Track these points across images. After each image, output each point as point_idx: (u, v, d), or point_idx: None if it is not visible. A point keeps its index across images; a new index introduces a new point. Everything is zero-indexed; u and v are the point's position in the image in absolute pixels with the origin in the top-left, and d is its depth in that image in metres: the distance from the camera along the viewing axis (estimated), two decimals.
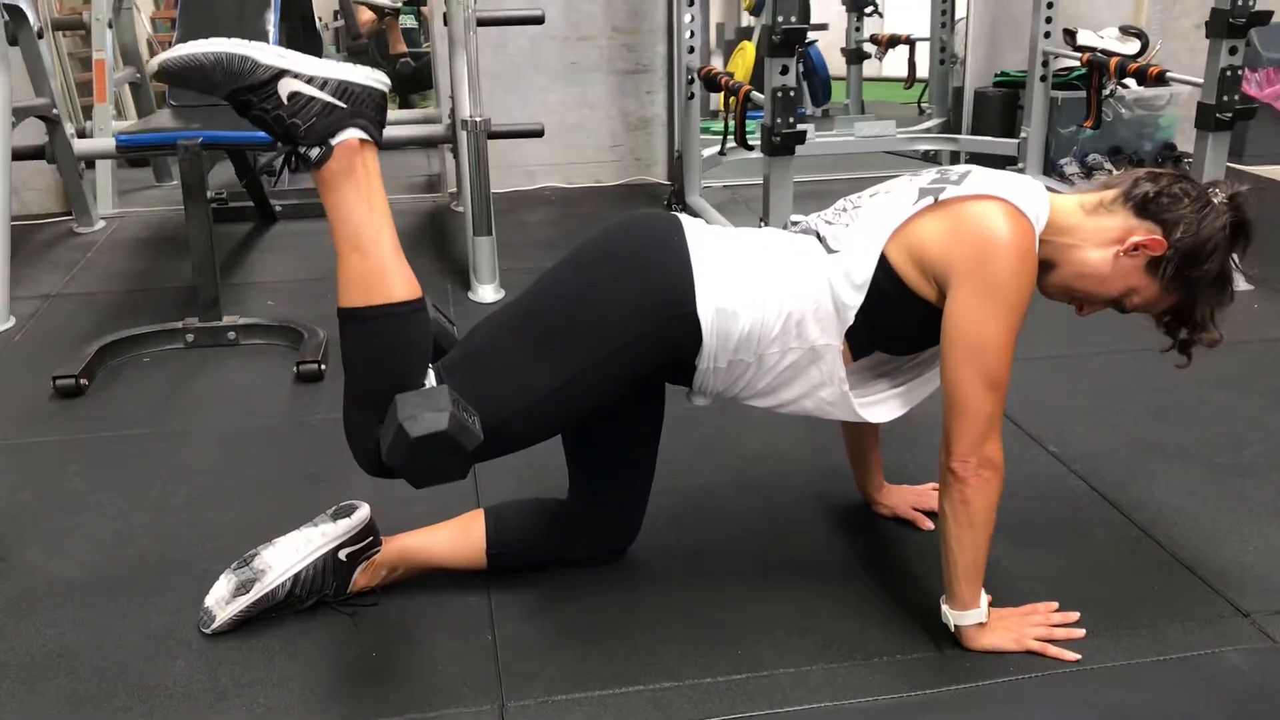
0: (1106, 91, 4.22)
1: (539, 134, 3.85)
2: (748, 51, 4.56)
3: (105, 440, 2.34)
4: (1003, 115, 4.67)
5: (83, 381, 2.54)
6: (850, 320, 1.54)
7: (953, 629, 1.59)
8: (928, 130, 4.93)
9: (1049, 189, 1.58)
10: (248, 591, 1.65)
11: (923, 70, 5.56)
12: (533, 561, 1.79)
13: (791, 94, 2.93)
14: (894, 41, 5.82)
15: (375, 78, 1.48)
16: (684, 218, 1.63)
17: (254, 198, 3.90)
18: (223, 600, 1.66)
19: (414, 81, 5.96)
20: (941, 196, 1.52)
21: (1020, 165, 4.38)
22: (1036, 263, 1.51)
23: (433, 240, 3.90)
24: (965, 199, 1.51)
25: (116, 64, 4.55)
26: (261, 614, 1.66)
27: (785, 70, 2.93)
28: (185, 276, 3.05)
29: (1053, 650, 1.58)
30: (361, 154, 1.47)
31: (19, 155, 3.54)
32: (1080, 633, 1.62)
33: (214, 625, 1.65)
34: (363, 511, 1.73)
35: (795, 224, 1.68)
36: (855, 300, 1.53)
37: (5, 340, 2.95)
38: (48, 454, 2.27)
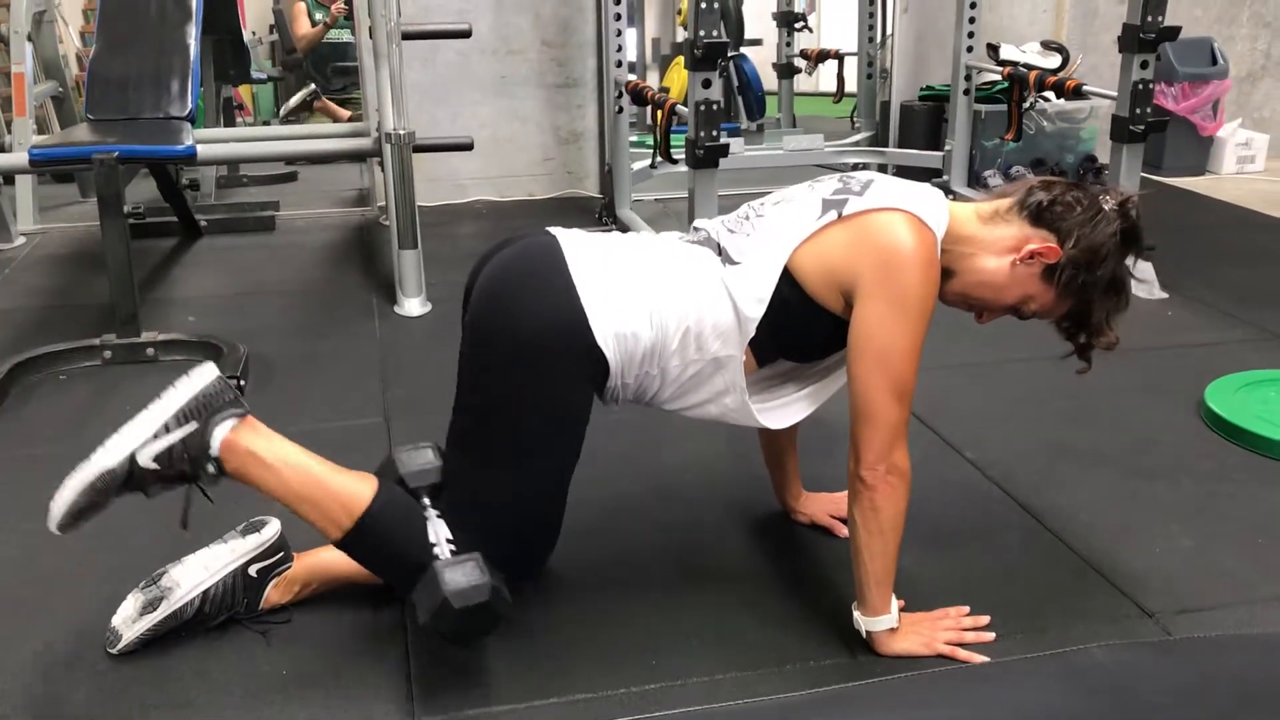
0: (1027, 105, 4.31)
1: (468, 147, 3.83)
2: (682, 65, 4.60)
3: (15, 459, 2.28)
4: (928, 128, 4.74)
5: None
6: (751, 333, 1.55)
7: (864, 635, 1.61)
8: (856, 144, 4.99)
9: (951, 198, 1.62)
10: (154, 610, 1.62)
11: (852, 85, 5.63)
12: None
13: (715, 107, 2.95)
14: (823, 56, 5.89)
15: (200, 377, 1.55)
16: (564, 239, 1.59)
17: (177, 212, 3.84)
18: (129, 619, 1.63)
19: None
20: (845, 210, 1.54)
21: (945, 177, 4.45)
22: (938, 271, 1.53)
23: (360, 254, 3.87)
24: (869, 211, 1.53)
25: (38, 78, 4.48)
26: (170, 633, 1.63)
27: (708, 84, 2.94)
28: (107, 292, 3.00)
29: (962, 654, 1.60)
30: (243, 438, 1.52)
31: None
32: (990, 636, 1.64)
33: (120, 645, 1.61)
34: (273, 527, 1.71)
35: (697, 230, 1.68)
36: (756, 313, 1.54)
37: None
38: None
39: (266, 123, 6.89)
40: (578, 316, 1.51)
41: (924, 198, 1.56)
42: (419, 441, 1.69)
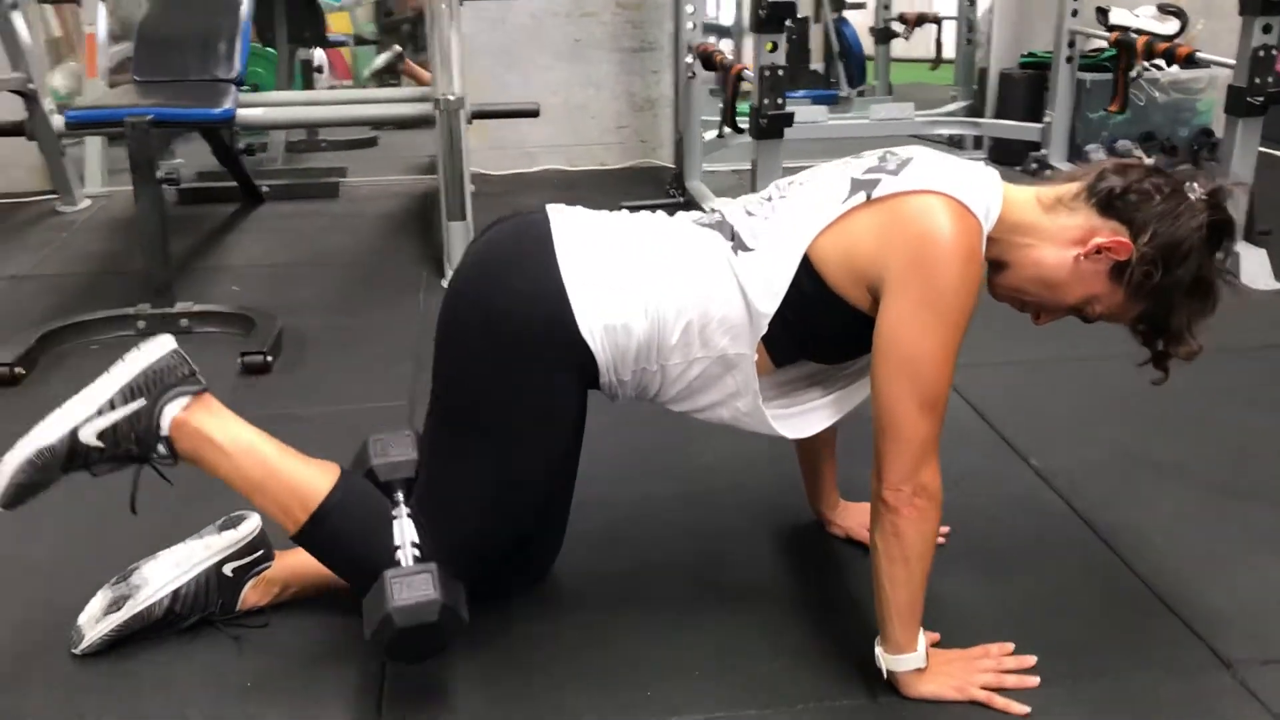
0: (1134, 74, 3.98)
1: (533, 114, 3.70)
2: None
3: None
4: (1028, 98, 4.44)
5: (18, 370, 2.42)
6: (764, 328, 1.36)
7: (885, 675, 1.42)
8: (950, 114, 4.70)
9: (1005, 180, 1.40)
10: (119, 609, 1.52)
11: (952, 51, 5.32)
12: None
13: (781, 73, 2.74)
14: (921, 20, 5.59)
15: (152, 350, 1.44)
16: (556, 218, 1.43)
17: (236, 177, 3.78)
18: (94, 618, 1.52)
19: None
20: (875, 192, 1.34)
21: (1043, 151, 4.16)
22: (982, 266, 1.32)
23: (418, 224, 3.76)
24: (902, 194, 1.33)
25: (116, 38, 4.46)
26: (140, 632, 1.53)
27: (774, 48, 2.74)
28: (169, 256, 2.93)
29: (999, 701, 1.40)
30: (195, 417, 1.42)
31: None
32: (1034, 681, 1.43)
33: (82, 645, 1.51)
34: (251, 523, 1.59)
35: (712, 211, 1.49)
36: (770, 307, 1.35)
37: None
38: None
39: (362, 86, 6.83)
40: (560, 305, 1.35)
41: (971, 179, 1.35)
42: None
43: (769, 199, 1.45)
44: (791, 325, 1.37)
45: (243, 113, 2.83)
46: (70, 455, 1.40)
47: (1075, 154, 4.22)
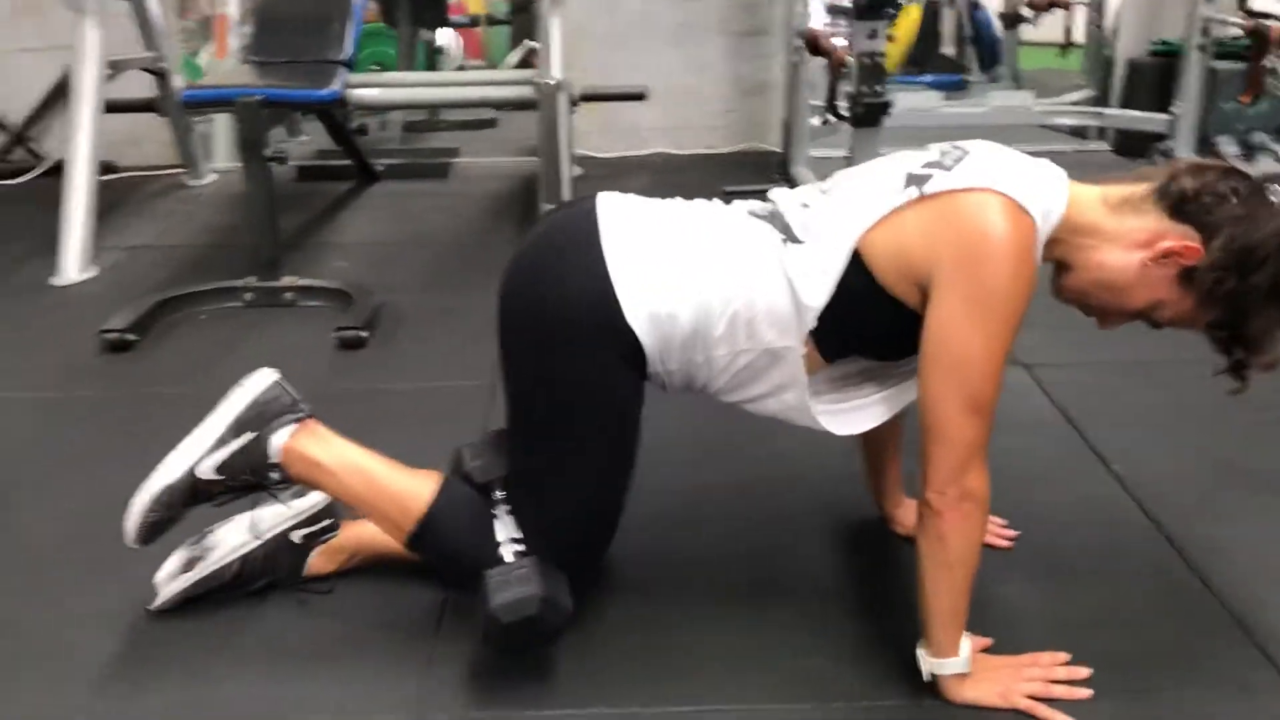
0: (1271, 63, 3.78)
1: (640, 97, 3.72)
2: (912, 13, 4.29)
3: (136, 398, 2.34)
4: (1157, 88, 4.26)
5: (130, 337, 2.55)
6: (812, 323, 1.35)
7: (927, 678, 1.40)
8: (1073, 103, 4.54)
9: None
10: (191, 569, 1.59)
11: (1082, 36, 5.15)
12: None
13: (880, 60, 2.70)
14: (1051, 4, 5.39)
15: (255, 383, 1.51)
16: (604, 208, 1.44)
17: (351, 156, 3.89)
18: (170, 576, 1.60)
19: None
20: (928, 188, 1.31)
21: (1169, 143, 3.99)
22: (1035, 267, 1.29)
23: (522, 205, 3.81)
24: (955, 191, 1.30)
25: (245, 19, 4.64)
26: (211, 592, 1.60)
27: (874, 34, 2.69)
28: (281, 233, 3.04)
29: (1043, 711, 1.36)
30: (301, 443, 1.49)
31: (128, 108, 3.63)
32: (1085, 693, 1.39)
33: (156, 603, 1.59)
34: (320, 493, 1.65)
35: (767, 202, 1.48)
36: (818, 302, 1.34)
37: (80, 291, 3.01)
38: (78, 409, 2.29)
39: (492, 67, 6.92)
40: (606, 295, 1.36)
41: (1029, 178, 1.31)
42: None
43: (824, 191, 1.44)
44: (840, 320, 1.36)
45: (354, 93, 2.91)
46: (192, 491, 1.50)
47: (1204, 147, 4.03)
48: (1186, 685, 1.42)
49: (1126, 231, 1.33)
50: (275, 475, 1.50)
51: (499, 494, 1.52)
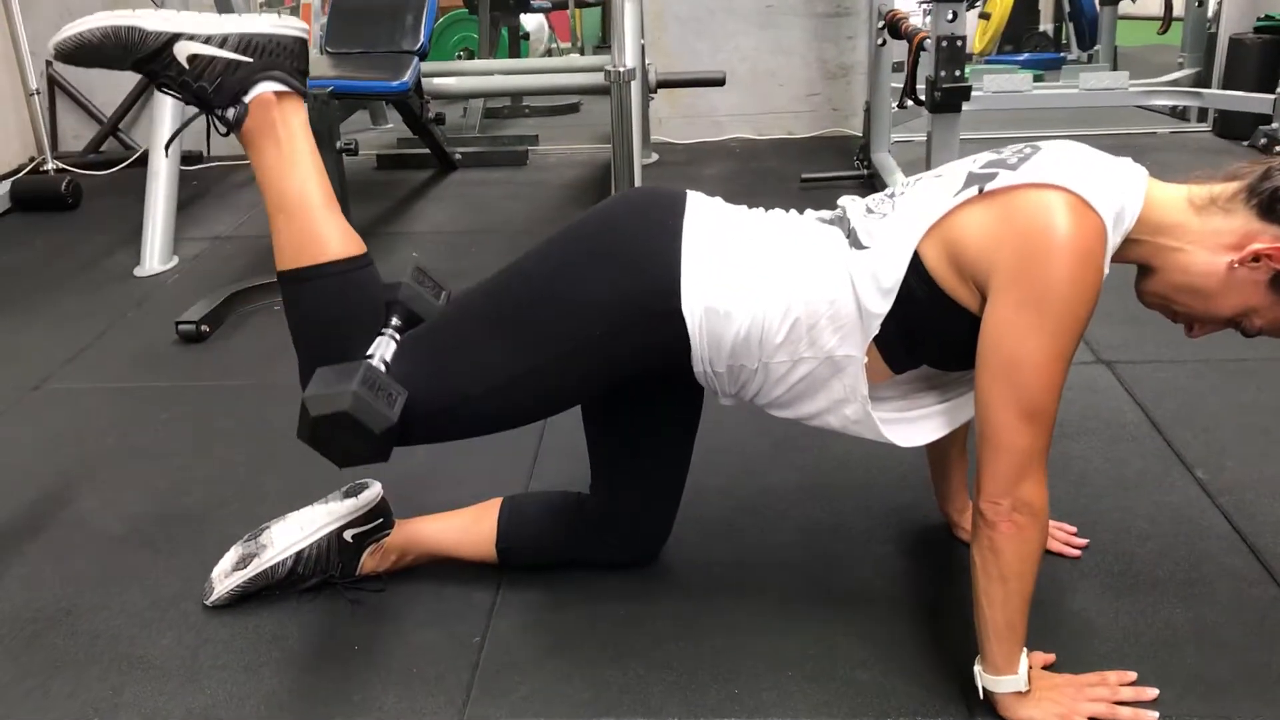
0: None
1: (718, 82, 3.67)
2: None
3: (204, 390, 2.38)
4: (1262, 66, 4.06)
5: (204, 328, 2.59)
6: (875, 330, 1.30)
7: (981, 695, 1.34)
8: (1171, 83, 4.35)
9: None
10: (245, 566, 1.61)
11: (1182, 10, 4.92)
12: (547, 560, 1.66)
13: (959, 44, 2.60)
14: None
15: (284, 25, 1.40)
16: (694, 198, 1.42)
17: (429, 145, 3.91)
18: (225, 572, 1.62)
19: None
20: (989, 185, 1.25)
21: (1274, 125, 3.80)
22: (1102, 270, 1.21)
23: (597, 193, 3.79)
24: (1017, 188, 1.23)
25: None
26: (266, 589, 1.62)
27: (953, 17, 2.60)
28: (355, 222, 3.06)
29: None
30: (279, 108, 1.40)
31: None
32: (1152, 716, 1.32)
33: (211, 598, 1.61)
34: (372, 491, 1.65)
35: (836, 208, 1.43)
36: (881, 308, 1.29)
37: (160, 281, 3.08)
38: (147, 399, 2.33)
39: (581, 51, 6.93)
40: (673, 274, 1.33)
41: (1102, 174, 1.24)
42: None
43: (891, 195, 1.38)
44: (904, 328, 1.31)
45: (428, 82, 2.91)
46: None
47: None
48: (1266, 711, 1.34)
49: (1213, 232, 1.25)
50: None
51: (395, 321, 1.45)
